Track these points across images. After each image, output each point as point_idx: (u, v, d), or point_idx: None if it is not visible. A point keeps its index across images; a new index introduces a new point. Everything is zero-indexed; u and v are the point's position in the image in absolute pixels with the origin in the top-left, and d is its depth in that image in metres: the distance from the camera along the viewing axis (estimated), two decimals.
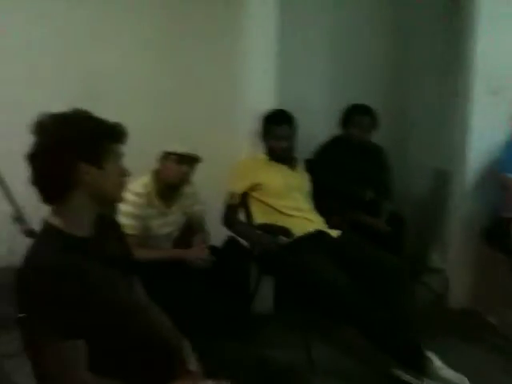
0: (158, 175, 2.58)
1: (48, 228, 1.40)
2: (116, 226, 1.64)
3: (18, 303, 1.34)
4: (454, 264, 3.35)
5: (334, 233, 2.79)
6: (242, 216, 2.96)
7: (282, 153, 2.86)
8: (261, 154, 2.94)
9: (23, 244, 3.45)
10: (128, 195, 2.29)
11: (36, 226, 2.50)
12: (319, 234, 2.76)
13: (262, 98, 3.07)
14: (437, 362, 2.38)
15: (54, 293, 1.26)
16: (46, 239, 1.40)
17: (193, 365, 1.52)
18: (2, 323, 2.95)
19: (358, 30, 3.71)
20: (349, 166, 3.12)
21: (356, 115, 3.09)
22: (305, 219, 2.80)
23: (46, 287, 1.27)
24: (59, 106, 1.41)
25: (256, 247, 2.84)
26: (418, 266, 3.65)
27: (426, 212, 3.87)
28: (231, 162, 2.96)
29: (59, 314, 1.26)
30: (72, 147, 1.35)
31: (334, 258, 2.55)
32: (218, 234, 2.82)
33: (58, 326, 1.27)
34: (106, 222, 1.55)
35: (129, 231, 2.27)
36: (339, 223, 2.89)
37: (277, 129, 2.82)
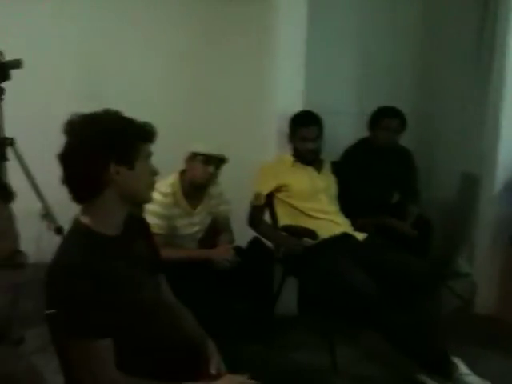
0: (184, 175, 2.59)
1: (77, 226, 1.42)
2: (144, 225, 1.66)
3: (46, 300, 1.36)
4: (481, 269, 3.30)
5: (360, 236, 2.77)
6: (267, 217, 2.96)
7: (309, 154, 2.85)
8: (287, 155, 2.93)
9: (51, 241, 3.54)
10: (155, 195, 2.31)
11: (64, 223, 2.56)
12: (345, 236, 2.74)
13: (290, 99, 3.07)
14: (462, 368, 2.34)
15: (82, 291, 1.27)
16: (75, 237, 1.41)
17: (218, 365, 1.52)
18: (30, 318, 3.02)
19: (386, 31, 3.68)
20: (375, 169, 3.09)
21: (384, 118, 3.05)
22: (330, 221, 2.78)
23: (73, 285, 1.28)
24: (91, 108, 1.43)
25: (281, 249, 2.84)
26: (444, 271, 3.61)
27: (453, 216, 3.81)
28: (258, 163, 2.96)
29: (86, 312, 1.28)
30: (102, 148, 1.36)
31: (359, 260, 2.52)
32: (244, 234, 2.82)
33: (86, 324, 1.28)
34: (135, 221, 1.56)
35: (155, 230, 2.29)
36: (365, 226, 2.86)
37: (304, 130, 2.81)
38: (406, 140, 3.24)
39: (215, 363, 1.52)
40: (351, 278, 2.42)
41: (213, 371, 1.50)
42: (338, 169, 3.05)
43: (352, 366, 2.62)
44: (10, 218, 0.81)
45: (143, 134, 1.43)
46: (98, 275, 1.30)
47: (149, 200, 1.52)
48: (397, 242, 2.80)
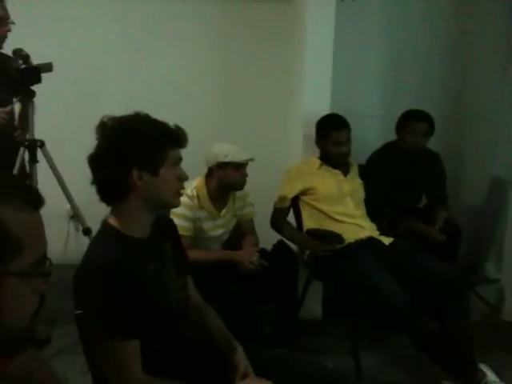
0: (210, 179, 2.60)
1: (106, 228, 1.43)
2: (172, 226, 1.66)
3: (75, 301, 1.37)
4: (510, 275, 3.23)
5: (387, 240, 2.74)
6: (292, 220, 2.95)
7: (342, 158, 2.83)
8: (314, 158, 2.91)
9: (78, 242, 3.59)
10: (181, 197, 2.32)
11: (92, 224, 2.59)
12: (371, 240, 2.72)
13: (317, 102, 3.06)
14: (490, 376, 2.31)
15: (108, 292, 1.29)
16: (103, 239, 1.43)
17: (245, 368, 1.52)
18: (56, 319, 3.06)
19: (415, 32, 3.64)
20: (403, 173, 3.05)
21: (412, 121, 3.02)
22: (356, 225, 2.76)
23: (102, 287, 1.29)
24: (120, 111, 1.44)
25: (306, 252, 2.83)
26: (472, 276, 3.55)
27: (482, 220, 3.75)
28: (283, 166, 2.95)
29: (115, 314, 1.29)
30: (126, 152, 1.36)
31: (386, 265, 2.50)
32: (269, 237, 2.81)
33: (114, 326, 1.29)
34: (163, 223, 1.57)
35: (181, 232, 2.29)
36: (392, 230, 2.84)
37: (337, 134, 2.78)
38: (434, 143, 3.20)
39: (243, 367, 1.52)
40: (378, 282, 2.39)
41: (240, 375, 1.50)
42: (365, 172, 3.02)
43: (377, 372, 2.60)
44: (40, 225, 0.82)
45: (172, 138, 1.42)
46: (127, 276, 1.31)
47: (176, 205, 1.52)
48: (424, 247, 2.76)
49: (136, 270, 1.34)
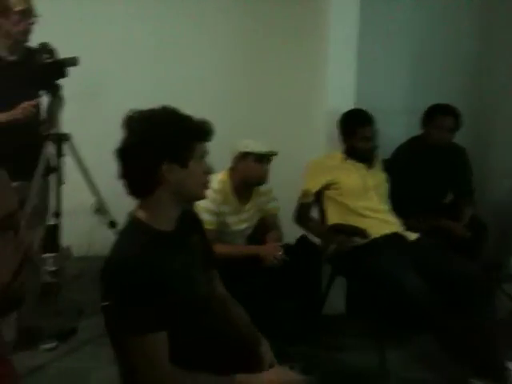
0: (234, 173, 2.60)
1: (133, 221, 1.44)
2: (198, 220, 1.67)
3: (103, 293, 1.38)
4: None
5: (412, 236, 2.71)
6: (315, 215, 2.94)
7: (370, 153, 2.81)
8: (337, 152, 2.89)
9: (103, 234, 3.62)
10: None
11: (117, 217, 2.62)
12: (396, 236, 2.69)
13: (341, 96, 3.04)
14: None
15: (136, 284, 1.29)
16: (131, 232, 1.43)
17: (271, 363, 1.51)
18: (83, 309, 3.10)
19: (441, 24, 3.59)
20: (429, 168, 3.01)
21: (439, 115, 2.98)
22: (381, 220, 2.73)
23: (130, 279, 1.30)
24: (144, 106, 1.44)
25: (329, 247, 2.81)
26: (497, 273, 3.49)
27: (508, 216, 3.68)
28: (307, 160, 2.93)
29: (143, 306, 1.29)
30: (156, 145, 1.37)
31: (411, 261, 2.47)
32: (292, 232, 2.80)
33: (142, 318, 1.30)
34: (189, 216, 1.57)
35: (206, 226, 2.30)
36: (417, 226, 2.80)
37: (363, 130, 2.77)
38: (460, 138, 3.15)
39: (269, 359, 1.52)
40: (403, 279, 2.36)
41: (266, 366, 1.50)
42: (390, 167, 2.99)
43: (401, 369, 2.57)
44: (2, 183, 0.84)
45: (200, 132, 1.43)
46: (155, 269, 1.31)
47: (202, 198, 1.52)
48: (450, 244, 2.72)
49: (163, 263, 1.35)
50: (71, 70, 2.48)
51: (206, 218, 2.39)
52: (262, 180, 2.59)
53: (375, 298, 2.58)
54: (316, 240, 2.86)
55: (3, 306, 0.82)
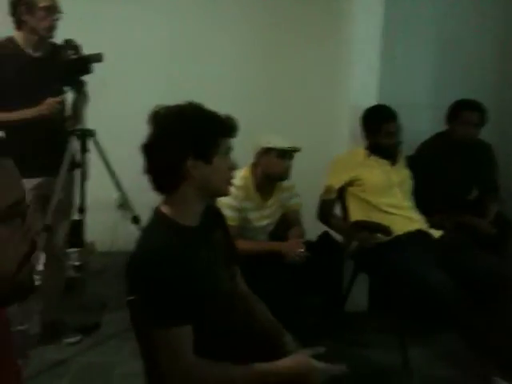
0: (256, 169, 2.60)
1: (158, 215, 1.44)
2: (221, 216, 1.67)
3: (128, 287, 1.39)
4: None
5: (436, 233, 2.68)
6: (338, 212, 2.92)
7: (395, 148, 2.79)
8: (360, 148, 2.87)
9: (126, 230, 3.64)
10: None
11: (140, 213, 2.63)
12: (420, 233, 2.66)
13: (365, 91, 3.02)
14: None
15: (162, 278, 1.30)
16: (156, 226, 1.44)
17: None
18: (106, 304, 3.13)
19: (465, 20, 3.53)
20: (454, 164, 2.97)
21: (464, 111, 2.93)
22: (405, 217, 2.70)
23: (154, 272, 1.31)
24: (168, 101, 1.45)
25: (352, 244, 2.79)
26: None
27: None
28: (330, 157, 2.92)
29: (168, 299, 1.30)
30: (181, 141, 1.37)
31: (435, 258, 2.45)
32: (314, 228, 2.79)
33: (167, 311, 1.31)
34: (212, 212, 1.58)
35: (228, 222, 2.30)
36: (441, 223, 2.77)
37: (387, 126, 2.74)
38: (485, 134, 3.10)
39: (294, 351, 1.51)
40: (428, 275, 2.34)
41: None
42: (414, 163, 2.96)
43: (424, 366, 2.56)
44: (9, 171, 0.85)
45: (225, 128, 1.44)
46: (180, 263, 1.32)
47: (226, 194, 1.52)
48: (475, 240, 2.69)
49: (188, 258, 1.36)
50: (96, 67, 2.50)
51: (229, 214, 2.39)
52: (283, 176, 2.58)
53: (398, 295, 2.56)
54: (338, 237, 2.85)
55: (11, 294, 0.83)
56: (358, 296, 3.00)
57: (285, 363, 1.41)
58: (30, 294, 0.88)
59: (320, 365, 1.40)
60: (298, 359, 1.42)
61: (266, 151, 2.53)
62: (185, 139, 1.37)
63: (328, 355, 1.62)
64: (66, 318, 2.86)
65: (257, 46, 3.70)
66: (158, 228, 1.42)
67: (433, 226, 2.74)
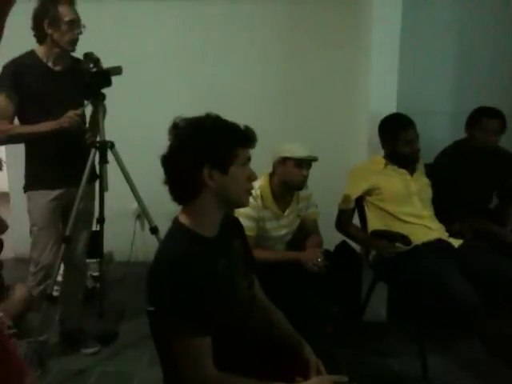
0: (273, 178, 2.60)
1: (177, 226, 1.46)
2: (239, 225, 1.68)
3: (148, 297, 1.40)
4: None
5: (456, 242, 2.65)
6: (356, 221, 2.91)
7: (415, 156, 2.77)
8: (379, 157, 2.85)
9: (144, 240, 3.67)
10: None
11: (158, 223, 2.65)
12: (440, 242, 2.63)
13: (383, 100, 3.00)
14: None
15: (183, 289, 1.31)
16: (175, 236, 1.45)
17: (317, 366, 1.50)
18: (123, 314, 3.15)
19: (485, 26, 3.51)
20: (474, 172, 2.93)
21: (484, 118, 2.90)
22: (424, 227, 2.67)
23: (174, 284, 1.32)
24: (186, 112, 1.47)
25: (371, 253, 2.77)
26: None
27: None
28: (348, 166, 2.91)
29: (187, 309, 1.31)
30: (197, 152, 1.38)
31: (456, 267, 2.41)
32: (331, 238, 2.78)
33: (187, 321, 1.31)
34: (230, 221, 1.58)
35: (246, 232, 2.30)
36: (461, 231, 2.74)
37: (406, 134, 2.71)
38: (505, 142, 3.06)
39: (314, 362, 1.50)
40: (449, 284, 2.31)
41: (313, 369, 1.49)
42: (433, 171, 2.93)
43: (445, 376, 2.52)
44: None
45: (243, 138, 1.44)
46: (199, 274, 1.32)
47: (245, 204, 1.52)
48: (495, 249, 2.65)
49: (207, 268, 1.36)
50: (118, 78, 2.54)
51: (246, 223, 2.38)
52: (301, 185, 2.57)
53: (418, 304, 2.53)
54: (356, 246, 2.83)
55: None
56: (377, 305, 2.97)
57: None
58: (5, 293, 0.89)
59: None
60: (323, 381, 1.41)
61: (284, 160, 2.52)
62: (198, 149, 1.39)
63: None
64: (85, 328, 2.88)
65: (276, 51, 3.71)
66: (178, 238, 1.43)
67: (452, 234, 2.71)
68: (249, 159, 1.47)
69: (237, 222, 1.68)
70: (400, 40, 3.01)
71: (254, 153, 1.51)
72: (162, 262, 1.39)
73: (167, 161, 1.43)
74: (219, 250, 1.45)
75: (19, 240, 3.53)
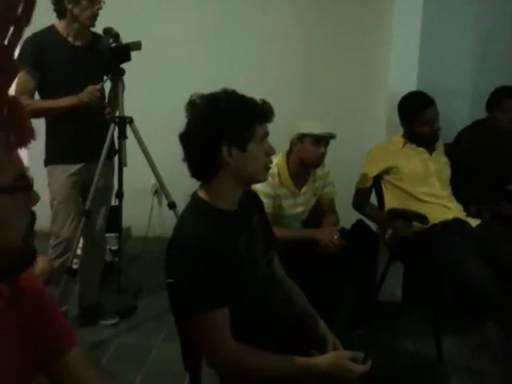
0: (290, 156, 2.59)
1: (196, 200, 1.46)
2: (258, 201, 1.68)
3: (167, 271, 1.42)
4: None
5: (474, 222, 2.63)
6: (373, 200, 2.90)
7: (432, 136, 2.74)
8: (398, 136, 2.83)
9: (161, 215, 3.70)
10: None
11: (176, 198, 2.67)
12: (457, 222, 2.61)
13: (403, 79, 2.97)
14: None
15: (201, 263, 1.32)
16: (194, 211, 1.46)
17: (334, 343, 1.51)
18: (141, 288, 3.19)
19: (508, 6, 3.42)
20: (493, 153, 2.90)
21: (505, 98, 2.86)
22: (442, 206, 2.66)
23: (193, 258, 1.33)
24: (204, 89, 1.46)
25: (387, 233, 2.77)
26: None
27: None
28: (367, 144, 2.89)
29: (205, 283, 1.33)
30: (215, 130, 1.38)
31: (473, 248, 2.40)
32: (348, 216, 2.78)
33: (206, 294, 1.33)
34: (249, 197, 1.59)
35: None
36: (479, 212, 2.72)
37: (428, 112, 2.68)
38: None
39: (331, 342, 1.52)
40: (466, 266, 2.31)
41: (331, 345, 1.50)
42: (452, 151, 2.91)
43: (460, 357, 2.53)
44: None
45: (259, 114, 1.43)
46: (218, 248, 1.34)
47: (264, 180, 1.53)
48: None
49: (227, 242, 1.37)
50: (135, 55, 2.54)
51: (263, 201, 2.39)
52: (318, 162, 2.56)
53: (434, 285, 2.53)
54: (373, 225, 2.82)
55: (17, 264, 0.87)
56: (392, 285, 2.98)
57: (323, 360, 1.42)
58: (33, 262, 0.92)
59: (358, 368, 1.40)
60: (337, 359, 1.42)
61: (301, 137, 2.51)
62: (216, 126, 1.37)
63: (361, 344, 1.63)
64: (104, 301, 2.94)
65: (295, 31, 3.67)
66: (197, 213, 1.44)
67: (471, 215, 2.69)
68: (267, 134, 1.46)
69: (256, 197, 1.69)
70: (422, 19, 2.96)
71: (271, 132, 1.51)
72: (180, 236, 1.41)
73: (185, 139, 1.43)
74: (239, 225, 1.46)
75: (40, 214, 3.58)
